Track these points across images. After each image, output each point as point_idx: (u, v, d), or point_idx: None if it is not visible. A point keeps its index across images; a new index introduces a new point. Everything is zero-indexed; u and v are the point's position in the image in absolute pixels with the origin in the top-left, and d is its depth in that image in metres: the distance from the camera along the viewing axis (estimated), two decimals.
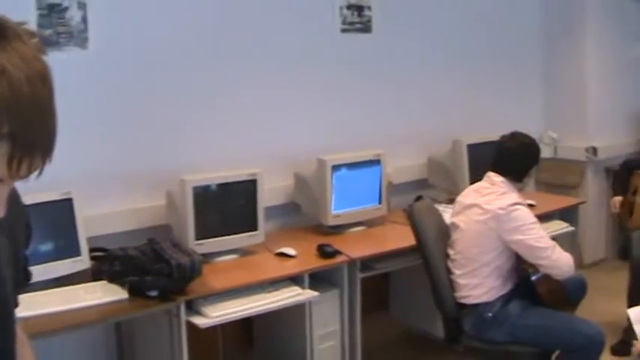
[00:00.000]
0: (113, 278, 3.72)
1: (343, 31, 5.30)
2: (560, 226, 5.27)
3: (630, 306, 5.11)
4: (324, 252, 4.33)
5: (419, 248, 4.17)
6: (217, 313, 3.70)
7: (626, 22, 6.92)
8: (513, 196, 3.99)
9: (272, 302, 3.90)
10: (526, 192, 4.37)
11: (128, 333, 4.26)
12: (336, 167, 4.78)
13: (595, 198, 6.77)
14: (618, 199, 5.45)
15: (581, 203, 5.84)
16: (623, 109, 7.03)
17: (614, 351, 4.96)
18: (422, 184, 5.71)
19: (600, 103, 6.79)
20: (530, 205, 5.04)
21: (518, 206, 3.93)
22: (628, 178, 5.57)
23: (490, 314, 3.93)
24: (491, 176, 4.11)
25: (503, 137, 4.24)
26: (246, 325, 4.66)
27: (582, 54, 6.71)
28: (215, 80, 4.70)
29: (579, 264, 4.22)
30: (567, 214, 5.56)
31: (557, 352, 3.98)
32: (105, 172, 4.27)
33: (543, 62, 6.89)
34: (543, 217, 5.08)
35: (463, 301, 4.01)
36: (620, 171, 5.69)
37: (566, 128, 6.81)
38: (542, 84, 6.91)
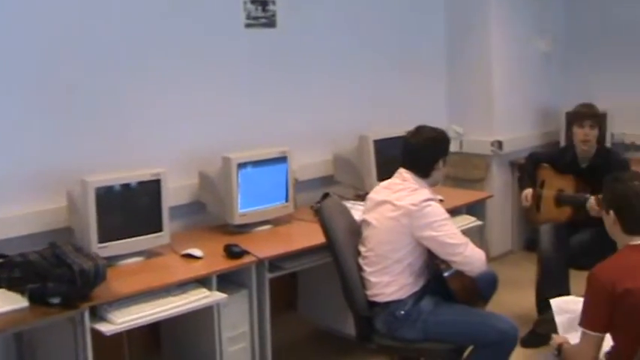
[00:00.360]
0: (12, 286, 3.56)
1: (247, 26, 5.20)
2: (468, 221, 5.29)
3: (539, 298, 5.20)
4: (232, 252, 4.24)
5: (329, 246, 4.09)
6: (123, 319, 3.58)
7: (530, 16, 7.02)
8: (425, 192, 3.94)
9: (179, 306, 3.79)
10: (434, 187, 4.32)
11: (30, 343, 4.08)
12: (241, 165, 4.69)
13: (500, 191, 6.84)
14: (529, 191, 5.47)
15: (488, 197, 5.87)
16: (527, 103, 7.13)
17: (524, 343, 4.98)
18: (328, 180, 5.65)
19: (505, 97, 6.86)
20: (440, 200, 5.05)
21: (430, 202, 3.89)
22: (534, 171, 5.61)
23: (402, 312, 3.88)
24: (402, 172, 4.06)
25: (409, 132, 4.19)
26: (153, 330, 4.52)
27: (487, 48, 6.77)
28: (117, 78, 4.56)
29: (486, 258, 4.25)
30: (474, 209, 5.58)
31: (470, 348, 3.95)
32: (2, 172, 4.09)
33: (448, 57, 6.92)
34: (451, 212, 5.06)
35: (375, 299, 3.95)
36: (526, 164, 5.72)
37: (471, 122, 6.85)
38: (447, 78, 6.95)
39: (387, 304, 3.92)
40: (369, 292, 3.97)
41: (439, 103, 6.89)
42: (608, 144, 6.70)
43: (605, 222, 3.38)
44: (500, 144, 6.77)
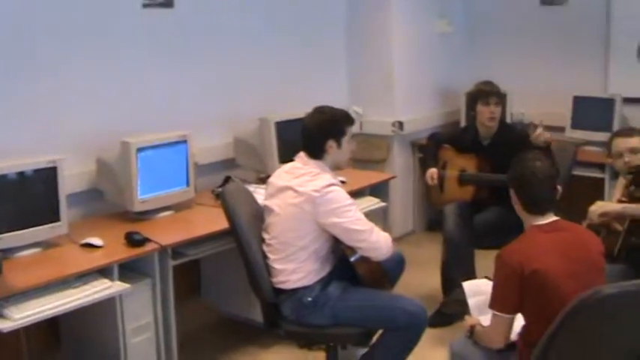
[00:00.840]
0: None
1: (144, 6, 5.05)
2: (372, 202, 5.27)
3: (444, 279, 5.24)
4: (133, 240, 4.12)
5: (232, 232, 3.99)
6: (21, 315, 3.43)
7: None
8: (327, 177, 3.85)
9: (80, 298, 3.66)
10: None
11: None
12: (140, 150, 4.56)
13: (402, 172, 6.86)
14: (433, 170, 5.47)
15: (391, 178, 5.87)
16: (427, 83, 7.15)
17: (431, 323, 4.97)
18: (229, 164, 5.56)
19: (405, 78, 6.86)
20: (342, 182, 5.01)
21: (333, 187, 3.80)
22: (436, 152, 5.61)
23: (309, 299, 3.82)
24: (303, 156, 3.97)
25: (306, 114, 4.10)
26: (52, 324, 4.37)
27: (387, 29, 6.74)
28: (6, 60, 4.35)
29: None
30: (378, 190, 5.56)
31: (380, 332, 3.92)
32: None
33: (349, 37, 6.88)
34: (355, 194, 5.06)
35: (281, 286, 3.88)
36: (428, 145, 5.73)
37: (372, 103, 6.84)
38: (348, 59, 6.91)
39: (294, 290, 3.85)
40: (274, 280, 3.90)
41: (340, 84, 6.85)
42: None
43: (512, 200, 3.41)
44: (401, 124, 6.77)
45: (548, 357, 2.90)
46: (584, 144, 6.36)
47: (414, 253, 5.68)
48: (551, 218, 3.28)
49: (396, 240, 6.58)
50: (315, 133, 3.95)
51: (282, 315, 3.92)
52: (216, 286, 5.23)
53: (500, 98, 5.37)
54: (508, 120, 6.77)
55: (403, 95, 6.86)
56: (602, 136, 6.16)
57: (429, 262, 5.58)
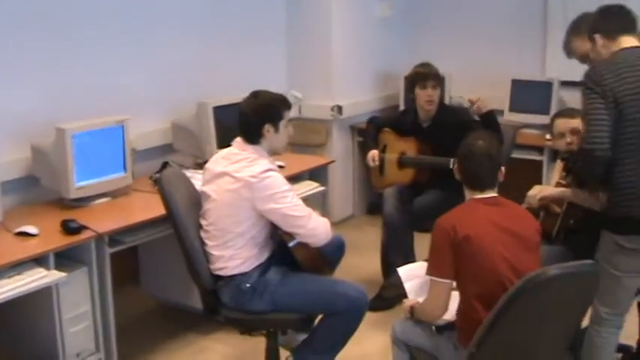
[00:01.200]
0: None
1: None
2: (311, 187, 5.26)
3: (384, 262, 5.26)
4: (69, 228, 4.05)
5: (169, 219, 3.94)
6: None
7: None
8: (264, 163, 3.81)
9: (15, 288, 3.58)
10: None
11: None
12: (75, 136, 4.47)
13: (341, 156, 6.87)
14: (375, 152, 5.45)
15: (330, 163, 5.86)
16: (366, 67, 7.17)
17: (371, 307, 4.98)
18: (167, 149, 5.51)
19: (344, 62, 6.86)
20: (280, 167, 4.98)
21: (270, 173, 3.77)
22: (376, 135, 5.61)
23: (248, 285, 3.79)
24: (240, 141, 3.92)
25: (243, 99, 4.05)
26: None
27: (327, 13, 6.73)
28: None
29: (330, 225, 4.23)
30: (317, 174, 5.55)
31: (320, 317, 3.92)
32: None
33: (288, 21, 6.85)
34: (293, 178, 5.05)
35: (219, 272, 3.84)
36: (368, 129, 5.71)
37: (311, 87, 6.82)
38: (287, 43, 6.88)
39: (232, 277, 3.82)
40: (212, 266, 3.86)
41: (279, 68, 6.82)
42: None
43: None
44: (340, 109, 6.77)
45: (493, 332, 2.93)
46: (522, 127, 6.40)
47: (354, 237, 5.68)
48: (491, 194, 3.37)
49: (337, 224, 6.63)
50: (252, 118, 3.90)
51: (221, 302, 3.89)
52: (156, 274, 5.19)
53: (438, 81, 5.34)
54: (447, 103, 6.79)
55: (342, 79, 6.86)
56: (540, 119, 6.24)
57: (369, 246, 5.58)
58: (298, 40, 6.85)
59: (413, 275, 3.69)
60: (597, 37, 3.60)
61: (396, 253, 5.11)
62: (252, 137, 3.90)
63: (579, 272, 3.04)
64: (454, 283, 3.28)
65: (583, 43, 3.91)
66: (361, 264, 5.55)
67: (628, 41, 3.53)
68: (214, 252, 3.86)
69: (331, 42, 6.74)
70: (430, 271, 3.28)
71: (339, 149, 6.90)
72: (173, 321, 5.05)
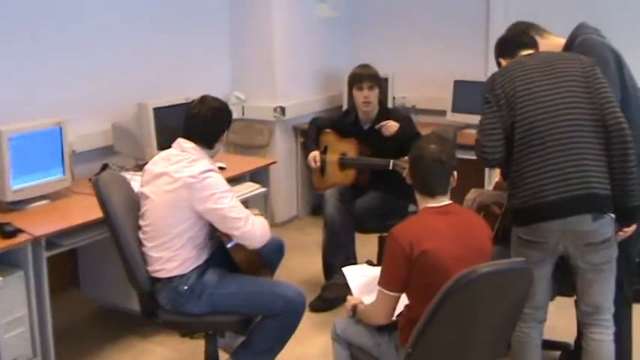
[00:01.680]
0: None
1: None
2: (252, 188, 5.21)
3: (325, 263, 5.26)
4: (4, 231, 3.98)
5: (106, 221, 3.89)
6: None
7: None
8: (205, 163, 3.80)
9: None
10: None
11: None
12: (12, 138, 4.40)
13: (284, 157, 6.86)
14: (316, 153, 5.46)
15: (271, 164, 5.84)
16: (309, 68, 7.17)
17: (313, 307, 5.07)
18: (108, 151, 5.45)
19: (287, 63, 6.86)
20: (221, 168, 4.96)
21: (210, 173, 3.75)
22: (318, 137, 5.61)
23: (186, 287, 3.76)
24: (181, 142, 3.90)
25: (193, 102, 4.04)
26: None
27: (269, 14, 6.71)
28: None
29: (271, 224, 4.17)
30: (258, 175, 5.53)
31: (258, 318, 3.90)
32: None
33: (230, 22, 6.82)
34: (234, 180, 5.03)
35: (157, 274, 3.81)
36: (310, 129, 5.71)
37: (254, 88, 6.80)
38: (230, 44, 6.85)
39: (170, 279, 3.79)
40: (150, 268, 3.83)
41: (222, 69, 6.79)
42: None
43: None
44: (283, 110, 6.76)
45: (428, 332, 2.94)
46: (464, 127, 6.45)
47: (297, 238, 5.69)
48: (444, 202, 3.33)
49: (280, 225, 6.63)
50: (212, 124, 3.93)
51: (159, 304, 3.86)
52: (95, 276, 5.13)
53: (376, 82, 5.34)
54: (390, 104, 6.84)
55: (285, 80, 6.85)
56: None
57: (312, 247, 5.58)
58: (241, 41, 6.83)
59: (358, 274, 3.71)
60: (501, 60, 3.90)
61: (337, 253, 5.11)
62: (210, 142, 3.93)
63: (510, 270, 3.06)
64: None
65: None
66: (304, 265, 5.55)
67: (525, 52, 3.79)
68: (152, 253, 3.83)
69: (273, 43, 6.73)
70: (381, 282, 3.25)
71: (282, 150, 6.89)
72: (113, 324, 5.00)
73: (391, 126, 5.12)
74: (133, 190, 4.11)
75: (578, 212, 3.40)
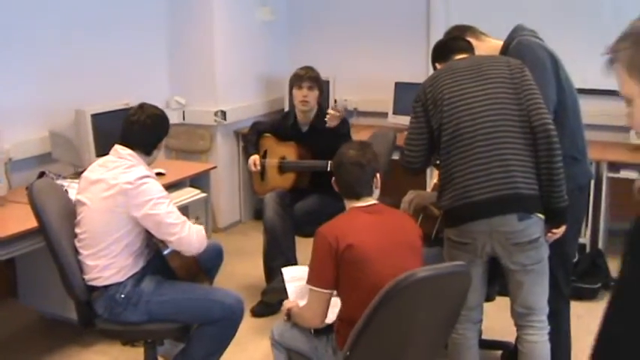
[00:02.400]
0: None
1: None
2: (192, 193, 5.18)
3: (266, 267, 5.25)
4: None
5: (41, 230, 3.83)
6: None
7: None
8: (141, 169, 3.78)
9: None
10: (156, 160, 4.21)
11: None
12: None
13: (226, 162, 6.85)
14: (255, 157, 5.45)
15: (212, 168, 5.82)
16: (250, 72, 7.14)
17: (255, 313, 5.07)
18: (46, 158, 5.37)
19: (227, 67, 6.82)
20: (160, 174, 4.94)
21: (146, 179, 3.73)
22: (257, 141, 5.61)
23: (122, 295, 3.73)
24: (118, 149, 3.87)
25: (131, 109, 4.02)
26: None
27: (208, 17, 6.66)
28: None
29: (213, 229, 4.14)
30: (199, 180, 5.51)
31: (196, 326, 3.87)
32: None
33: (169, 25, 6.75)
34: (174, 186, 5.00)
35: (93, 283, 3.77)
36: (250, 133, 5.69)
37: (194, 92, 6.76)
38: (168, 48, 6.78)
39: (107, 287, 3.75)
40: (87, 277, 3.79)
41: (161, 73, 6.73)
42: None
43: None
44: (224, 114, 6.72)
45: (366, 335, 2.93)
46: (406, 129, 6.44)
47: (240, 243, 5.68)
48: (370, 202, 3.39)
49: (224, 230, 6.61)
50: (151, 132, 3.92)
51: (96, 313, 3.82)
52: (35, 286, 5.05)
53: (316, 84, 5.37)
54: (331, 106, 6.80)
55: (225, 84, 6.82)
56: None
57: (254, 252, 5.56)
58: (180, 45, 6.77)
59: (296, 277, 3.69)
60: (437, 65, 3.92)
61: (277, 258, 5.10)
62: (148, 150, 3.92)
63: (450, 273, 3.10)
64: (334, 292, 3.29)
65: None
66: (247, 270, 5.53)
67: (460, 56, 3.81)
68: (88, 261, 3.78)
69: (213, 46, 6.68)
70: (310, 281, 3.28)
71: (224, 155, 6.86)
72: (54, 334, 4.93)
73: (335, 117, 5.11)
74: (69, 198, 4.07)
75: (503, 212, 3.43)
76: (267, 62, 7.27)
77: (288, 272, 3.78)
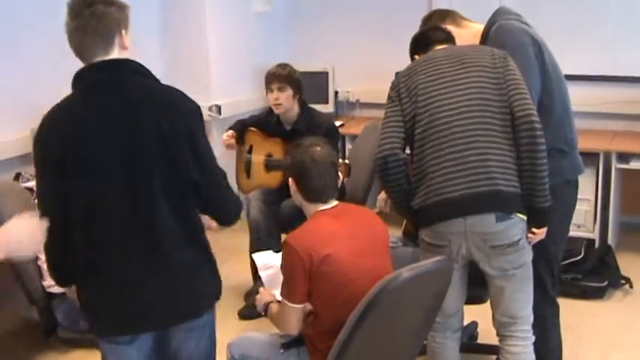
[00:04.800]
0: None
1: None
2: None
3: (253, 266, 5.08)
4: None
5: None
6: None
7: None
8: None
9: None
10: None
11: None
12: None
13: (221, 157, 6.63)
14: (230, 132, 5.37)
15: None
16: (246, 64, 6.98)
17: (242, 316, 5.01)
18: (28, 159, 5.19)
19: (222, 60, 6.69)
20: None
21: None
22: (243, 130, 5.43)
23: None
24: None
25: None
26: None
27: (202, 9, 6.52)
28: None
29: None
30: None
31: None
32: None
33: (162, 18, 6.60)
34: None
35: (52, 289, 3.64)
36: (234, 124, 5.53)
37: (188, 87, 6.40)
38: (162, 40, 6.63)
39: (66, 294, 3.58)
40: (46, 283, 3.67)
41: (154, 67, 6.46)
42: (331, 102, 6.89)
43: (291, 189, 3.32)
44: (219, 108, 6.58)
45: (353, 344, 2.78)
46: None
47: (229, 242, 5.51)
48: (333, 203, 3.23)
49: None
50: None
51: (57, 321, 3.66)
52: (14, 290, 4.92)
53: (288, 82, 5.12)
54: (332, 98, 6.83)
55: (220, 77, 6.67)
56: None
57: (240, 251, 5.45)
58: (174, 37, 6.63)
59: (268, 265, 3.58)
60: (416, 57, 3.72)
61: None
62: None
63: (433, 270, 2.96)
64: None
65: None
66: (235, 269, 5.37)
67: (439, 47, 3.61)
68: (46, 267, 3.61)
69: (207, 39, 6.54)
70: (283, 294, 3.14)
71: (219, 150, 6.67)
72: (32, 340, 4.76)
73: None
74: (30, 200, 3.92)
75: (479, 211, 3.19)
76: (263, 54, 7.07)
77: (260, 259, 3.66)
